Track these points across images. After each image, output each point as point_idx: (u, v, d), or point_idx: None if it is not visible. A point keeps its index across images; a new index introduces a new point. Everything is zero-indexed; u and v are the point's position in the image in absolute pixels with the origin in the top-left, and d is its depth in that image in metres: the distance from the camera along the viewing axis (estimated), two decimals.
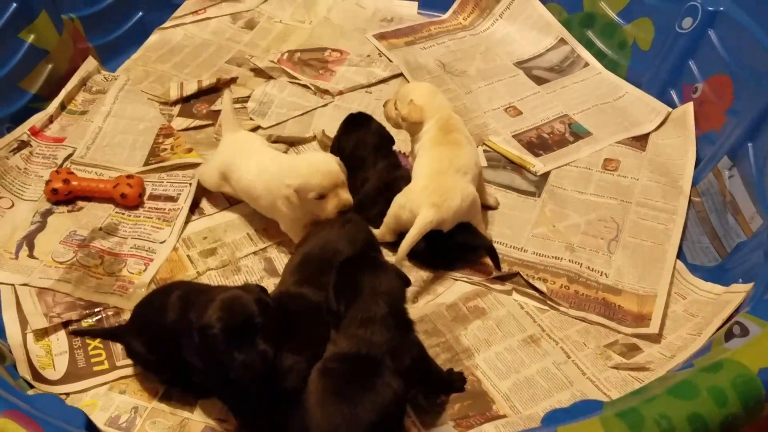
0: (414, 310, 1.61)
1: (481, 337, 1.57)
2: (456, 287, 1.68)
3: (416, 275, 1.68)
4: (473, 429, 1.39)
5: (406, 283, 1.35)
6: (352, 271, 1.31)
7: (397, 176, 1.76)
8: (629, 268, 1.71)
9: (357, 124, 1.84)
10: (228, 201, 1.85)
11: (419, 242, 1.63)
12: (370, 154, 1.78)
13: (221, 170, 1.73)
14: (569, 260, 1.72)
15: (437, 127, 1.73)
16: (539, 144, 2.05)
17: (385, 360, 1.25)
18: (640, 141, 2.06)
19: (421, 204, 1.60)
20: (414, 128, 1.78)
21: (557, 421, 1.11)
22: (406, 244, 1.58)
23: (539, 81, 2.28)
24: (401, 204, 1.65)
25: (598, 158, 2.00)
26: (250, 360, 1.20)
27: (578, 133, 2.09)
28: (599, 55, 2.34)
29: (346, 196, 1.55)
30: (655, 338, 1.58)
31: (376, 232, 1.72)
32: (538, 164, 1.97)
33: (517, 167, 1.98)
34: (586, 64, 2.34)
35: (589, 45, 2.37)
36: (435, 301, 1.64)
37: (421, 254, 1.70)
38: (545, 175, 1.95)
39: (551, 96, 2.22)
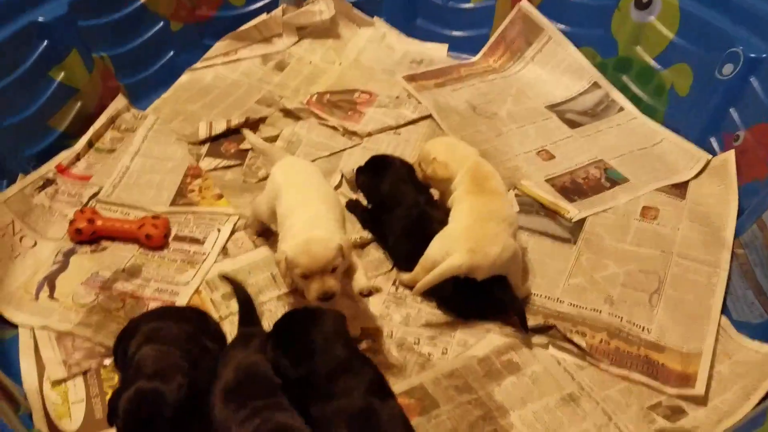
0: (444, 363, 1.54)
1: (516, 394, 1.49)
2: (488, 339, 1.59)
3: (445, 325, 1.61)
4: None
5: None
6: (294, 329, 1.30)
7: (430, 215, 1.71)
8: (672, 324, 1.63)
9: (384, 163, 1.82)
10: (254, 243, 1.80)
11: (446, 287, 1.57)
12: (410, 189, 1.76)
13: (270, 201, 1.64)
14: (609, 313, 1.64)
15: (469, 177, 1.69)
16: (573, 189, 1.99)
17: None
18: (680, 189, 1.99)
19: (457, 248, 1.54)
20: (443, 184, 1.74)
21: None
22: (425, 281, 1.55)
23: (572, 125, 2.23)
24: (438, 246, 1.59)
25: (635, 206, 1.93)
26: None
27: (614, 179, 2.02)
28: (635, 101, 2.29)
29: (330, 284, 1.42)
30: (701, 400, 1.49)
31: (405, 276, 1.67)
32: (572, 210, 1.90)
33: (551, 213, 1.91)
34: (621, 109, 2.28)
35: (624, 90, 2.32)
36: (466, 354, 1.56)
37: (449, 300, 1.63)
38: (580, 222, 1.88)
39: (585, 140, 2.17)
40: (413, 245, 1.64)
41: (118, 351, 1.42)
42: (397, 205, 1.75)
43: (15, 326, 1.58)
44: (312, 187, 1.60)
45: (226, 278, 1.67)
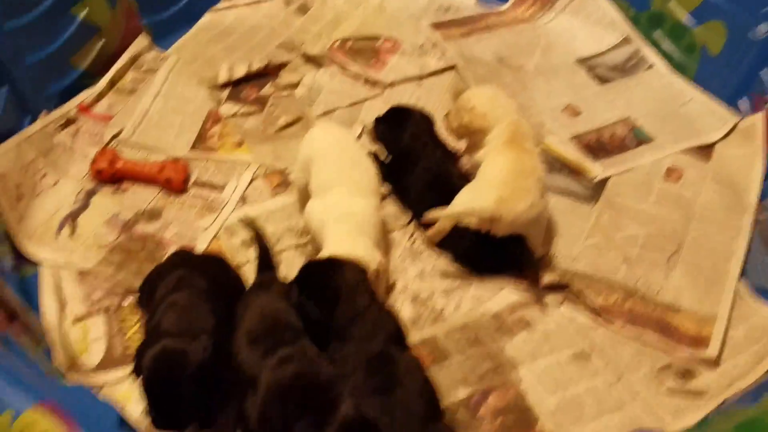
0: (456, 317, 1.55)
1: (526, 349, 1.50)
2: (501, 295, 1.60)
3: (460, 281, 1.62)
4: None
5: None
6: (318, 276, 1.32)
7: (450, 171, 1.70)
8: (688, 287, 1.62)
9: (405, 114, 1.79)
10: (272, 192, 1.81)
11: (464, 240, 1.56)
12: (428, 142, 1.74)
13: (303, 172, 1.63)
14: (625, 274, 1.63)
15: (510, 131, 1.63)
16: (598, 148, 1.95)
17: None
18: (705, 151, 1.95)
19: (486, 197, 1.51)
20: (477, 137, 1.69)
21: None
22: (443, 223, 1.52)
23: (601, 80, 2.18)
24: (467, 198, 1.55)
25: (659, 167, 1.90)
26: (159, 418, 1.16)
27: (640, 139, 1.99)
28: (665, 57, 2.23)
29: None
30: (713, 363, 1.49)
31: (430, 231, 1.66)
32: (596, 169, 1.87)
33: (574, 171, 1.89)
34: (651, 66, 2.22)
35: (655, 46, 2.25)
36: (479, 309, 1.57)
37: (466, 255, 1.64)
38: (603, 182, 1.85)
39: (614, 97, 2.12)
40: (436, 201, 1.61)
41: (144, 295, 1.44)
42: (416, 157, 1.72)
43: (36, 263, 1.61)
44: (346, 168, 1.58)
45: (246, 223, 1.67)
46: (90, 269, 1.60)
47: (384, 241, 1.59)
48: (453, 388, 1.41)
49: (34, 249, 1.63)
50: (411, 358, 1.31)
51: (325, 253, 1.44)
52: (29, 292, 1.55)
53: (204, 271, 1.39)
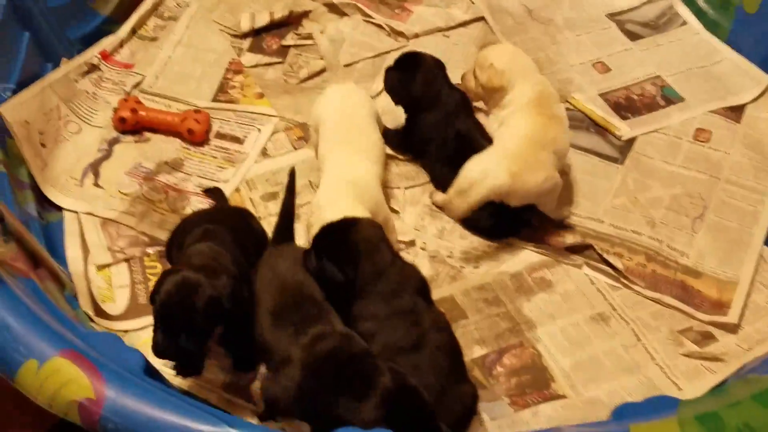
0: (475, 276, 1.55)
1: (545, 310, 1.50)
2: (522, 256, 1.59)
3: (479, 240, 1.62)
4: (529, 408, 1.34)
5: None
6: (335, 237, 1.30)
7: (468, 124, 1.66)
8: (712, 251, 1.60)
9: (414, 62, 1.72)
10: (293, 145, 1.80)
11: (486, 219, 1.55)
12: (443, 87, 1.69)
13: (315, 127, 1.62)
14: (649, 236, 1.62)
15: (536, 92, 1.58)
16: (627, 106, 1.91)
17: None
18: (736, 112, 1.90)
19: (499, 170, 1.48)
20: (496, 97, 1.63)
21: (628, 416, 1.06)
22: (467, 206, 1.49)
23: (632, 36, 2.11)
24: (477, 167, 1.52)
25: (689, 127, 1.86)
26: (165, 347, 1.17)
27: (670, 98, 1.94)
28: (699, 15, 2.14)
29: None
30: (732, 328, 1.48)
31: (440, 197, 1.64)
32: (624, 128, 1.84)
33: (601, 129, 1.85)
34: (684, 23, 2.15)
35: (688, 2, 2.17)
36: (498, 269, 1.57)
37: (478, 226, 1.62)
38: (630, 141, 1.82)
39: (644, 54, 2.06)
40: (455, 167, 1.56)
41: (172, 248, 1.44)
42: (429, 106, 1.67)
43: (60, 209, 1.63)
44: (354, 131, 1.56)
45: (290, 174, 1.59)
46: (113, 218, 1.61)
47: (385, 207, 1.56)
48: (468, 348, 1.42)
49: (57, 196, 1.64)
50: (437, 313, 1.32)
51: (325, 216, 1.40)
52: (53, 238, 1.57)
53: (229, 225, 1.40)
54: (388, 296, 1.28)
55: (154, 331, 1.17)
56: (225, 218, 1.45)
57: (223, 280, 1.20)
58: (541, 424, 1.30)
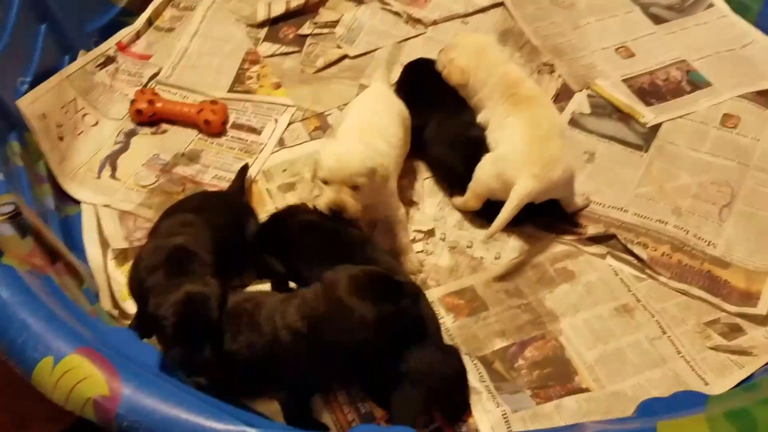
0: (496, 267, 1.52)
1: (567, 301, 1.47)
2: (543, 246, 1.56)
3: (500, 231, 1.56)
4: (552, 401, 1.31)
5: None
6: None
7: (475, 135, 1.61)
8: (740, 240, 1.56)
9: (427, 65, 1.70)
10: (310, 135, 1.78)
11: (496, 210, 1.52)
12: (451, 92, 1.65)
13: None
14: (675, 226, 1.58)
15: (502, 85, 1.55)
16: (652, 92, 1.86)
17: None
18: (765, 96, 1.84)
19: (519, 174, 1.44)
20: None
21: (655, 412, 1.03)
22: (501, 220, 1.44)
23: (657, 20, 2.05)
24: (494, 174, 1.49)
25: (716, 113, 1.80)
26: (191, 360, 1.15)
27: (696, 83, 1.88)
28: None
29: (343, 198, 1.34)
30: (762, 320, 1.44)
31: (458, 200, 1.60)
32: (648, 114, 1.79)
33: (625, 116, 1.80)
34: (711, 5, 2.09)
35: None
36: (519, 260, 1.53)
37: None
38: (655, 128, 1.77)
39: (669, 38, 2.00)
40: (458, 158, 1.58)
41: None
42: (432, 112, 1.65)
43: (78, 202, 1.63)
44: (380, 113, 1.54)
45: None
46: (130, 210, 1.60)
47: (395, 196, 1.52)
48: (489, 340, 1.40)
49: (75, 189, 1.64)
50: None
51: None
52: (72, 231, 1.57)
53: (209, 211, 1.40)
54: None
55: (169, 349, 1.16)
56: (206, 203, 1.44)
57: (213, 284, 1.19)
58: (564, 418, 1.28)
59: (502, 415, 1.27)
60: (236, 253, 1.41)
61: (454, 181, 1.62)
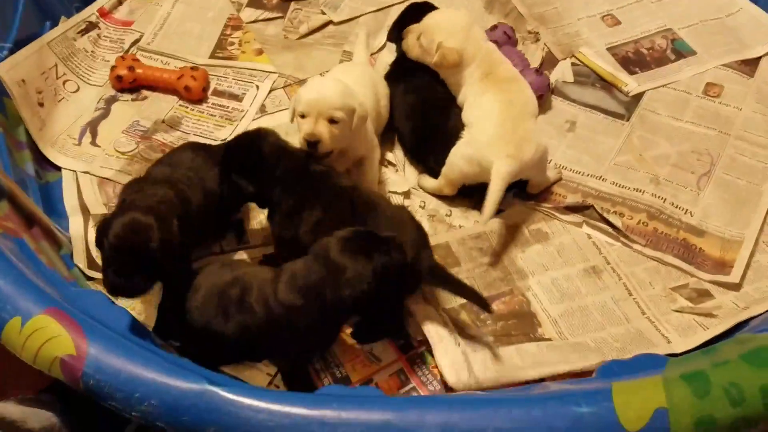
0: (473, 228, 1.53)
1: (538, 261, 1.49)
2: (521, 211, 1.57)
3: (479, 200, 1.55)
4: (513, 345, 1.32)
5: None
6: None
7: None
8: (718, 208, 1.56)
9: (424, 10, 1.66)
10: (291, 101, 1.76)
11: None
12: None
13: None
14: (652, 194, 1.58)
15: (483, 70, 1.54)
16: (636, 60, 1.85)
17: None
18: (750, 66, 1.83)
19: (493, 156, 1.43)
20: (451, 74, 1.57)
21: (614, 374, 1.04)
22: (491, 208, 1.41)
23: None
24: (467, 156, 1.48)
25: (699, 82, 1.80)
26: (121, 285, 1.18)
27: (681, 51, 1.87)
28: None
29: (320, 129, 1.36)
30: (734, 287, 1.45)
31: (427, 183, 1.59)
32: (631, 83, 1.78)
33: (608, 85, 1.80)
34: None
35: None
36: (495, 220, 1.53)
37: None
38: (638, 97, 1.77)
39: (655, 6, 1.99)
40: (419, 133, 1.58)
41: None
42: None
43: (59, 169, 1.63)
44: (354, 77, 1.54)
45: None
46: (109, 177, 1.61)
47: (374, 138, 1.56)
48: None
49: (55, 155, 1.65)
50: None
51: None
52: (53, 197, 1.57)
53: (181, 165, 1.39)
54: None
55: (104, 270, 1.19)
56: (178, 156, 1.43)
57: (174, 226, 1.20)
58: (525, 361, 1.29)
59: (463, 353, 1.28)
60: (218, 215, 1.42)
61: (407, 152, 1.63)
